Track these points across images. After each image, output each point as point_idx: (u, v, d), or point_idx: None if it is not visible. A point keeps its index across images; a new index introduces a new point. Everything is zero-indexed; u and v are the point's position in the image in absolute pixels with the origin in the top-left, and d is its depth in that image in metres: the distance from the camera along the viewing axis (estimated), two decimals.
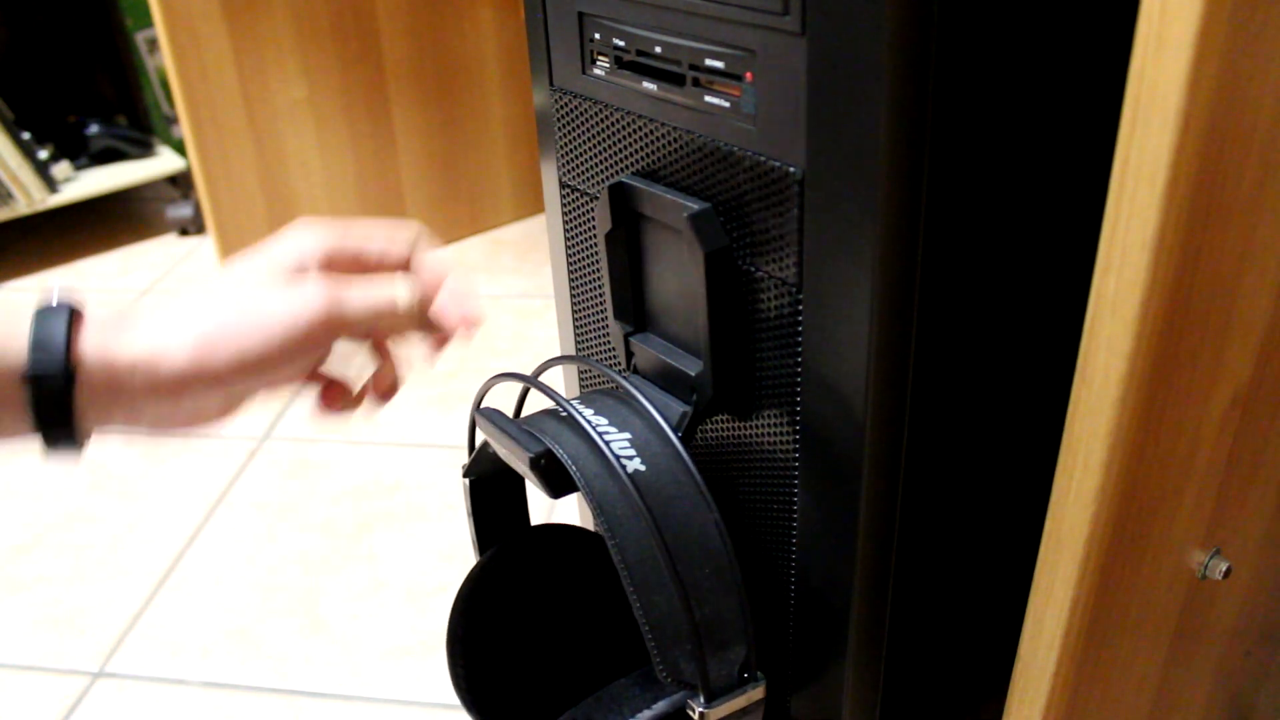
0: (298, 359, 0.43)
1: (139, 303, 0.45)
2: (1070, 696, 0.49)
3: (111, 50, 1.90)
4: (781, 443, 0.55)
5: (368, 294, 0.45)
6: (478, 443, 0.61)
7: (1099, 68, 0.49)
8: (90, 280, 1.67)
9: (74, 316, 0.41)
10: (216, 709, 0.89)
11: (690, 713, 0.50)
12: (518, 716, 0.65)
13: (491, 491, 0.64)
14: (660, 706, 0.51)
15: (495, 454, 0.59)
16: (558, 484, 0.52)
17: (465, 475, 0.63)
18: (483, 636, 0.64)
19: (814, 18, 0.43)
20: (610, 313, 0.61)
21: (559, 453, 0.50)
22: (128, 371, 0.42)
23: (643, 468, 0.50)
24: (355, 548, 1.07)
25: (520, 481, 0.65)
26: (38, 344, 0.40)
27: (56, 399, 0.41)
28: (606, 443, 0.49)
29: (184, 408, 0.43)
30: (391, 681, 0.90)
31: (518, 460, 0.53)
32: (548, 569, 0.66)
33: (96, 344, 0.41)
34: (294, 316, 0.42)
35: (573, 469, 0.49)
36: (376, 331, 0.47)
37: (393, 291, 0.46)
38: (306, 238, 0.47)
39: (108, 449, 1.24)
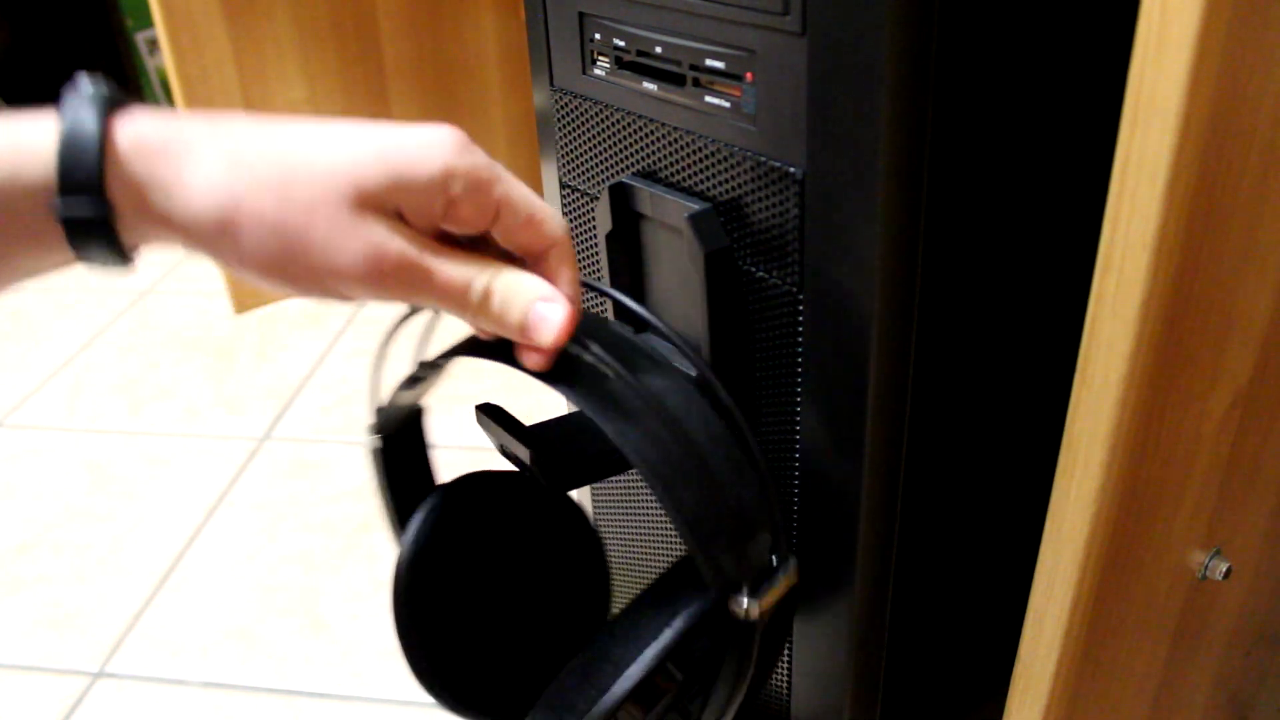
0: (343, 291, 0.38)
1: (189, 130, 0.37)
2: (1070, 696, 0.49)
3: (111, 50, 1.90)
4: (781, 442, 0.55)
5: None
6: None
7: (1099, 68, 0.49)
8: (90, 280, 1.67)
9: (106, 124, 0.36)
10: (216, 709, 0.89)
11: (736, 610, 0.46)
12: (488, 691, 0.61)
13: (400, 451, 0.59)
14: (683, 621, 0.47)
15: (403, 406, 0.55)
16: (557, 476, 0.51)
17: (375, 432, 0.57)
18: (434, 618, 0.59)
19: (814, 18, 0.43)
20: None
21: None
22: (160, 219, 0.37)
23: (623, 371, 0.45)
24: (355, 548, 1.07)
25: (422, 437, 0.60)
26: (66, 161, 0.35)
27: (94, 227, 0.36)
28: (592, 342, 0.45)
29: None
30: (391, 681, 0.90)
31: (518, 452, 0.53)
32: (483, 527, 0.61)
33: (130, 177, 0.36)
34: (348, 264, 0.37)
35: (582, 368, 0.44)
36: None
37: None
38: (446, 161, 0.38)
39: (108, 449, 1.24)
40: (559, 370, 0.44)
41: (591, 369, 0.44)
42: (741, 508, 0.46)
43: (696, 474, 0.45)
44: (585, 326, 0.43)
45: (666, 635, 0.47)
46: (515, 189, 0.41)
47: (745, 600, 0.46)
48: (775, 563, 0.48)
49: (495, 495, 0.61)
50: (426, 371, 0.51)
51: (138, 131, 0.36)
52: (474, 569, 0.60)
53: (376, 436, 0.57)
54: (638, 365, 0.46)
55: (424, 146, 0.38)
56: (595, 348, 0.44)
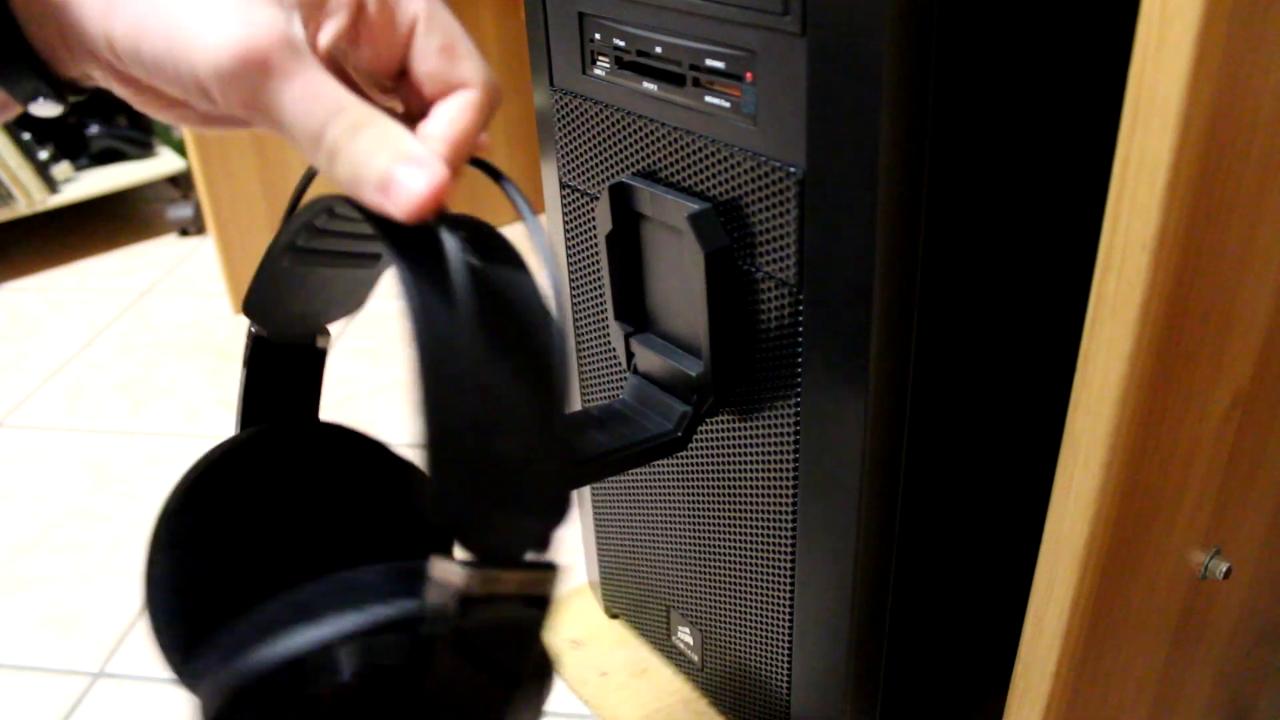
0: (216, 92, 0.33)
1: None
2: (1070, 696, 0.48)
3: None
4: (781, 443, 0.55)
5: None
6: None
7: (1099, 68, 0.49)
8: (90, 280, 1.67)
9: None
10: None
11: (437, 575, 0.32)
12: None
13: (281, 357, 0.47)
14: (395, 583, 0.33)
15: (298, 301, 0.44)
16: None
17: (246, 312, 0.45)
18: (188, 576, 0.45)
19: (814, 18, 0.43)
20: (611, 313, 0.61)
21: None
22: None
23: (479, 263, 0.36)
24: None
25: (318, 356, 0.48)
26: None
27: None
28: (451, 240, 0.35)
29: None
30: None
31: None
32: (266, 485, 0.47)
33: None
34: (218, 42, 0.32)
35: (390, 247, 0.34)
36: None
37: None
38: None
39: (108, 449, 1.24)
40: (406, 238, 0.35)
41: (437, 245, 0.34)
42: (516, 466, 0.34)
43: (480, 397, 0.33)
44: (461, 220, 0.35)
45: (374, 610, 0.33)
46: (441, 11, 0.37)
47: (453, 567, 0.31)
48: (529, 558, 0.34)
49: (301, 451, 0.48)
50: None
51: None
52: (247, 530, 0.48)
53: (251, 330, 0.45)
54: (505, 264, 0.36)
55: None
56: (457, 235, 0.34)
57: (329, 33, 0.36)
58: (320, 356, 0.49)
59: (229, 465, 0.46)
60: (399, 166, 0.33)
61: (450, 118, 0.36)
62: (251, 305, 0.44)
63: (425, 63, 0.37)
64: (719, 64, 0.49)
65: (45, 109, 0.37)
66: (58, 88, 0.36)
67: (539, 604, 0.34)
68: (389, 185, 0.33)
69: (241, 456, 0.46)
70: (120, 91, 0.38)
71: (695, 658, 0.72)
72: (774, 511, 0.57)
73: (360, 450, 0.49)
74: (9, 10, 0.34)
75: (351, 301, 0.46)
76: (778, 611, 0.61)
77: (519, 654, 0.35)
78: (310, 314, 0.47)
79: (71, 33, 0.35)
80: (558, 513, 0.35)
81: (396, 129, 0.34)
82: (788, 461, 0.55)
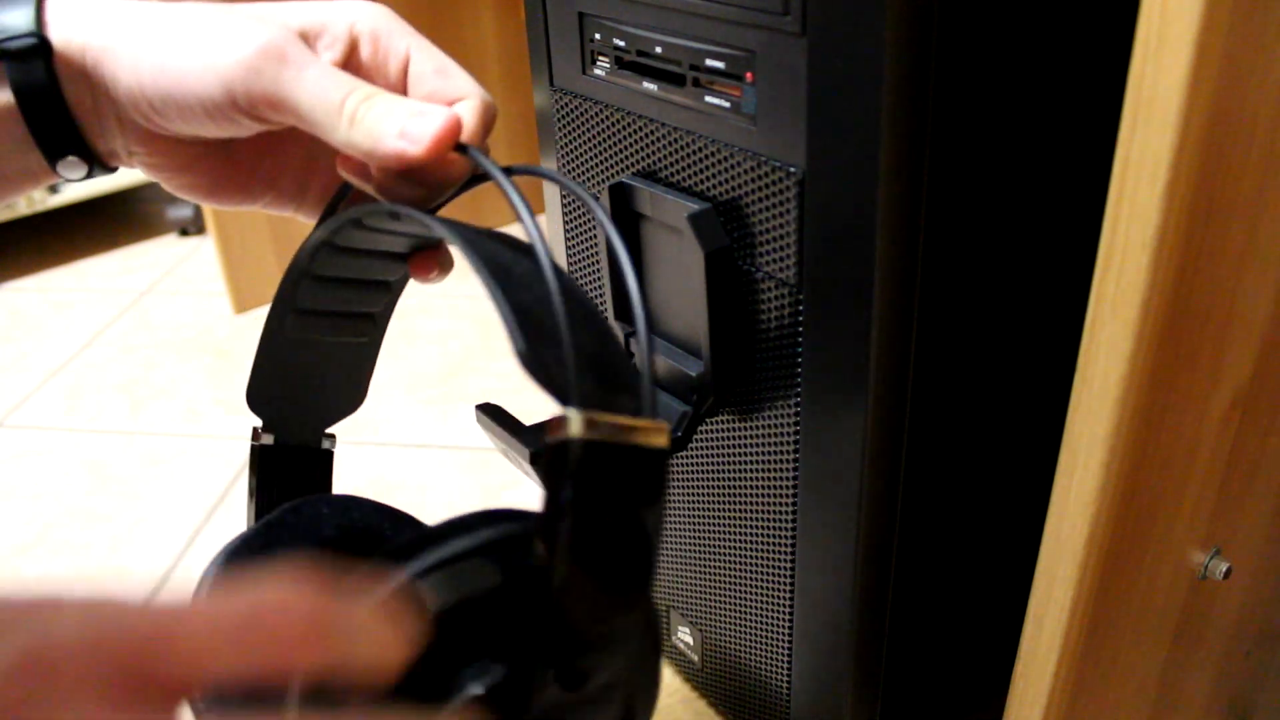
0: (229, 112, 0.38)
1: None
2: (1070, 696, 0.48)
3: None
4: (781, 443, 0.55)
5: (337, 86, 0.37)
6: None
7: (1099, 67, 0.49)
8: (90, 280, 1.67)
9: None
10: None
11: (556, 430, 0.31)
12: None
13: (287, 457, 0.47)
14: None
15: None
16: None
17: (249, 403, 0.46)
18: None
19: (814, 18, 0.43)
20: (610, 313, 0.61)
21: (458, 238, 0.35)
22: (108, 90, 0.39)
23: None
24: None
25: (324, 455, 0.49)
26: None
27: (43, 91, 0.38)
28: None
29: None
30: None
31: (518, 456, 0.52)
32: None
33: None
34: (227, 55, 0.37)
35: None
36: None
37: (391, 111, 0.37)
38: (356, 10, 0.40)
39: (108, 449, 1.24)
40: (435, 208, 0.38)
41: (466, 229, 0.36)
42: (599, 351, 0.33)
43: (557, 292, 0.33)
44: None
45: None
46: (428, 43, 0.41)
47: (574, 414, 0.30)
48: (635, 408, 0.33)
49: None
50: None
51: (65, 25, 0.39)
52: None
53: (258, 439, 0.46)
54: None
55: (331, 12, 0.40)
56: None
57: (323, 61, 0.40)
58: (327, 460, 0.50)
59: (257, 543, 0.45)
60: (413, 116, 0.37)
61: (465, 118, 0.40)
62: (254, 391, 0.46)
63: (423, 85, 0.41)
64: (719, 64, 0.49)
65: (72, 171, 0.41)
66: (84, 148, 0.40)
67: (651, 455, 0.32)
68: (407, 130, 0.37)
69: (269, 535, 0.45)
70: (140, 158, 0.42)
71: (695, 658, 0.72)
72: (774, 511, 0.57)
73: (386, 519, 0.50)
74: (51, 67, 0.38)
75: (351, 389, 0.48)
76: (778, 612, 0.61)
77: (649, 491, 0.32)
78: (313, 405, 0.48)
79: (103, 91, 0.40)
80: (633, 393, 0.34)
81: (405, 98, 0.39)
82: (788, 461, 0.55)
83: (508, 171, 0.36)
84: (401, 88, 0.41)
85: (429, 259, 0.44)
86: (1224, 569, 0.50)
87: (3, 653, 0.20)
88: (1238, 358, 0.45)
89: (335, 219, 0.40)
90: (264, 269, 1.55)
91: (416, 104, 0.38)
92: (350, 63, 0.41)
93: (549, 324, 0.32)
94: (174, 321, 1.54)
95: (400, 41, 0.41)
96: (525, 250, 0.35)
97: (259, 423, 0.47)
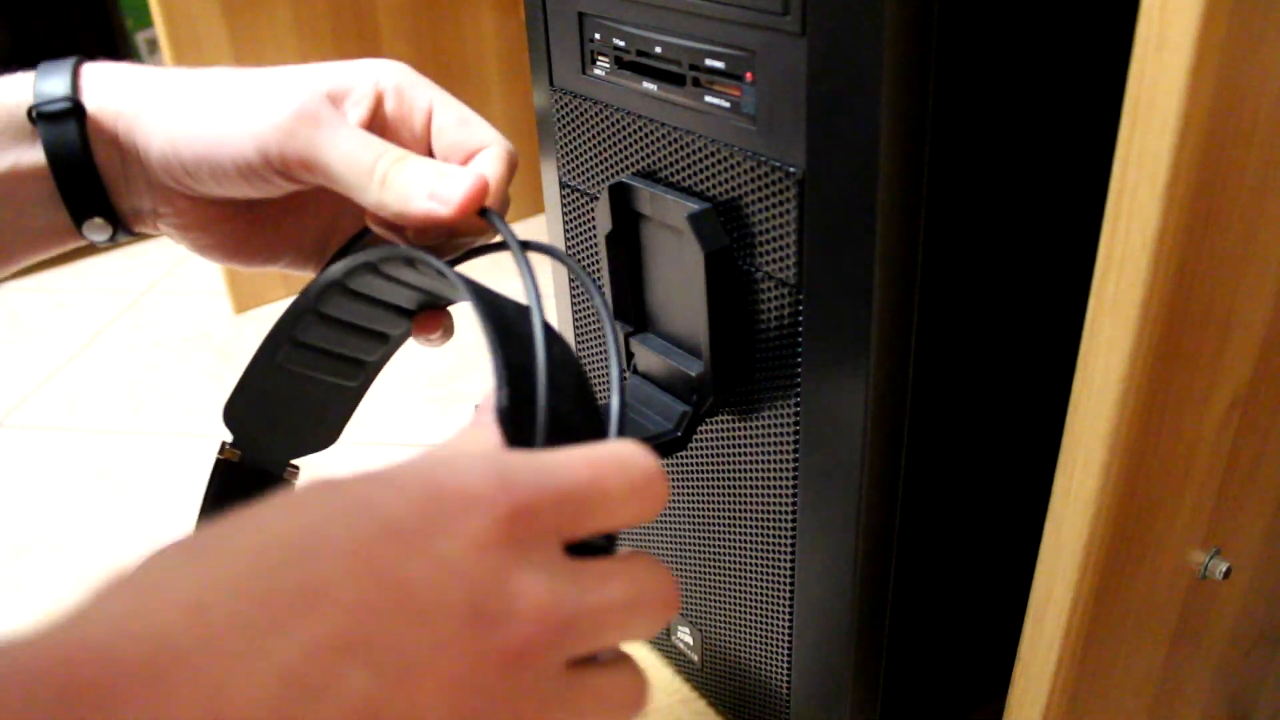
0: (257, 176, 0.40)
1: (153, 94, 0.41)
2: (1070, 696, 0.48)
3: (111, 51, 1.90)
4: (781, 443, 0.55)
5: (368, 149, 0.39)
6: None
7: (1099, 67, 0.49)
8: (90, 280, 1.67)
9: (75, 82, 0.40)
10: None
11: None
12: None
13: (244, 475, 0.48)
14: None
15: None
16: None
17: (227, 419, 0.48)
18: None
19: (814, 18, 0.43)
20: (610, 313, 0.61)
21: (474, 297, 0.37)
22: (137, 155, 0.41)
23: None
24: None
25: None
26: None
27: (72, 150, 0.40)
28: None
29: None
30: None
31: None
32: None
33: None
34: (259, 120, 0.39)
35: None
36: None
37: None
38: (379, 69, 0.42)
39: (108, 449, 1.24)
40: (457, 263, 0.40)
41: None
42: (571, 411, 0.37)
43: (541, 351, 0.36)
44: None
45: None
46: (449, 96, 0.43)
47: None
48: None
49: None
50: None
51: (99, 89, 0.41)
52: None
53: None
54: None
55: (356, 72, 0.42)
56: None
57: (352, 121, 0.41)
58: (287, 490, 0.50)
59: None
60: (442, 178, 0.39)
61: (479, 164, 0.42)
62: (232, 408, 0.48)
63: (446, 136, 0.42)
64: (719, 64, 0.49)
65: (97, 233, 0.43)
66: (109, 210, 0.42)
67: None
68: (437, 192, 0.39)
69: None
70: (167, 219, 0.43)
71: (695, 657, 0.72)
72: (774, 511, 0.57)
73: None
74: (84, 130, 0.40)
75: (327, 428, 0.49)
76: (778, 611, 0.61)
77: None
78: (286, 435, 0.49)
79: (133, 155, 0.41)
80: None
81: (434, 160, 0.40)
82: (788, 461, 0.55)
83: (524, 246, 0.38)
84: (426, 139, 0.43)
85: (433, 320, 0.46)
86: (1224, 569, 0.50)
87: (500, 501, 0.26)
88: (1237, 358, 0.45)
89: (354, 257, 0.41)
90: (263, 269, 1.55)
91: (445, 166, 0.40)
92: (376, 117, 0.42)
93: (532, 389, 0.36)
94: (174, 321, 1.54)
95: (423, 95, 0.42)
96: (527, 313, 0.38)
97: (230, 437, 0.48)
